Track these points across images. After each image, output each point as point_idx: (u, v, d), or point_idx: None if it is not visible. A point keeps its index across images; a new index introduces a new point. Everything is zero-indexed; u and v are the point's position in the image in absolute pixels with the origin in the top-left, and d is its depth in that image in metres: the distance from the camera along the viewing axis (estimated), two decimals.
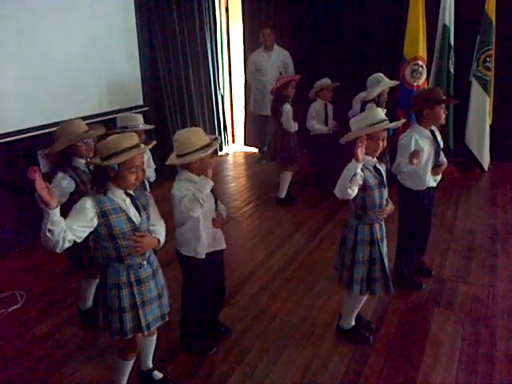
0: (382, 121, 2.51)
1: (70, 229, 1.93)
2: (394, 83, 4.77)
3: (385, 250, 2.71)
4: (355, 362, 2.69)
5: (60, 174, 2.73)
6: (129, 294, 2.13)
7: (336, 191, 2.48)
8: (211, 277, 2.71)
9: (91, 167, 2.29)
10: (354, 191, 2.44)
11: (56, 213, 1.83)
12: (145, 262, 2.19)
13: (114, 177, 2.06)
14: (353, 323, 2.88)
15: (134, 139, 2.08)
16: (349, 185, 2.40)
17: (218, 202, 2.71)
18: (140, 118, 3.50)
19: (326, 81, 5.21)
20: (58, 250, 1.93)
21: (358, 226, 2.63)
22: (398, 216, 3.31)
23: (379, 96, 4.65)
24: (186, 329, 2.81)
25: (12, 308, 3.30)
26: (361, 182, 2.47)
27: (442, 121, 3.15)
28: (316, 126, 5.24)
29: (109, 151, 2.01)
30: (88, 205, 2.01)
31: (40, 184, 1.75)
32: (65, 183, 2.71)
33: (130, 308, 2.14)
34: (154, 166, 3.57)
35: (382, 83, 4.62)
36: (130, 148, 2.03)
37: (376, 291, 2.69)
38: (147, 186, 3.43)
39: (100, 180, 2.08)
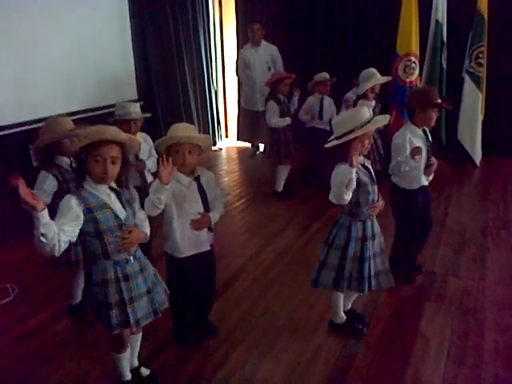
0: (369, 120, 2.48)
1: (62, 230, 1.90)
2: (385, 79, 4.77)
3: (378, 247, 2.72)
4: (345, 355, 2.71)
5: (43, 173, 2.73)
6: (116, 290, 2.11)
7: (331, 197, 2.48)
8: (195, 278, 2.64)
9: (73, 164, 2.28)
10: (349, 196, 2.45)
11: (45, 215, 1.80)
12: (131, 258, 2.17)
13: (87, 169, 2.04)
14: (343, 316, 2.90)
15: (106, 131, 2.01)
16: (345, 190, 2.40)
17: (217, 202, 2.63)
18: (135, 107, 3.42)
19: (323, 75, 5.22)
20: (57, 254, 1.91)
21: (352, 222, 2.62)
22: (391, 214, 3.33)
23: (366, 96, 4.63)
24: (175, 322, 2.80)
25: (3, 301, 3.30)
26: (355, 186, 2.47)
27: (432, 123, 3.14)
28: (304, 116, 5.27)
29: (81, 140, 2.00)
30: (73, 203, 1.97)
31: (23, 190, 1.72)
32: (48, 181, 2.70)
33: (117, 304, 2.11)
34: (155, 155, 3.53)
35: (373, 79, 4.63)
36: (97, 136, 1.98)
37: (364, 289, 2.67)
38: (147, 177, 3.44)
39: (78, 172, 2.08)
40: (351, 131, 2.44)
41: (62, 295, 3.32)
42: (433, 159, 3.22)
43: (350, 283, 2.68)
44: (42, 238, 1.81)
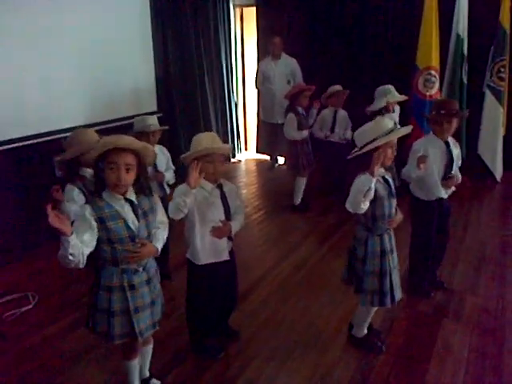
0: (392, 129, 2.50)
1: (83, 242, 1.96)
2: (401, 98, 4.73)
3: (395, 261, 2.72)
4: (360, 370, 2.70)
5: (69, 186, 2.77)
6: (120, 299, 2.14)
7: (348, 205, 2.48)
8: (214, 286, 2.68)
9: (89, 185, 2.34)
10: (366, 205, 2.45)
11: (73, 237, 1.87)
12: (141, 268, 2.19)
13: (104, 178, 2.09)
14: (365, 331, 2.89)
15: (120, 139, 2.06)
16: (362, 199, 2.41)
17: (238, 213, 2.67)
18: (152, 119, 3.50)
19: (336, 87, 5.24)
20: (81, 266, 1.97)
21: (369, 237, 2.62)
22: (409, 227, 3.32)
23: (387, 108, 4.60)
24: (192, 331, 2.83)
25: (24, 308, 3.37)
26: (372, 196, 2.47)
27: (441, 135, 3.12)
28: (318, 132, 5.28)
29: (98, 149, 2.06)
30: (87, 213, 2.03)
31: (52, 218, 1.77)
32: (75, 195, 2.75)
33: (120, 313, 2.14)
34: (173, 167, 3.61)
35: (388, 96, 4.60)
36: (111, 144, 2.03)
37: (386, 303, 2.67)
38: (166, 189, 3.50)
39: (96, 181, 2.13)
40: (373, 140, 2.45)
41: (82, 304, 3.35)
42: (457, 174, 3.21)
43: (372, 298, 2.67)
44: (71, 257, 1.89)
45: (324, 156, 5.36)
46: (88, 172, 2.84)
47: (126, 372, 2.41)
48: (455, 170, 3.22)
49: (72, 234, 1.86)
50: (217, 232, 2.58)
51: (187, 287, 2.74)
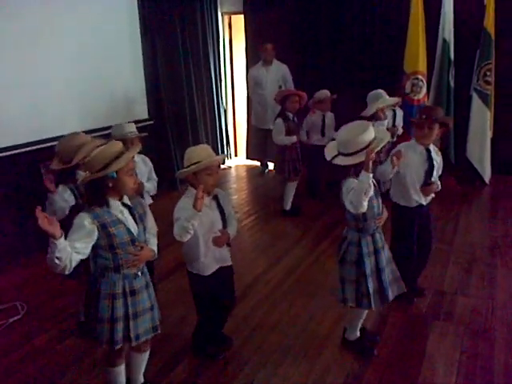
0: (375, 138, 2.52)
1: (74, 248, 1.96)
2: (393, 101, 4.78)
3: (388, 255, 2.74)
4: (353, 374, 2.69)
5: (61, 187, 2.78)
6: (122, 304, 2.15)
7: (350, 206, 2.48)
8: (220, 291, 2.73)
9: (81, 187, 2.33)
10: (366, 202, 2.46)
11: (62, 241, 1.87)
12: (139, 273, 2.22)
13: (112, 186, 2.08)
14: (358, 334, 2.89)
15: (118, 145, 2.13)
16: (364, 197, 2.42)
17: (231, 218, 2.70)
18: (131, 126, 3.49)
19: (323, 92, 5.28)
20: (67, 272, 1.97)
21: (361, 238, 2.64)
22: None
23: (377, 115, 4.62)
24: (199, 335, 2.86)
25: (13, 319, 3.32)
26: (372, 192, 2.48)
27: (422, 141, 3.09)
28: (304, 137, 5.31)
29: (102, 162, 2.05)
30: (86, 221, 2.03)
31: (41, 221, 1.77)
32: (67, 196, 2.76)
33: (123, 318, 2.15)
34: (155, 178, 3.55)
35: (380, 100, 4.64)
36: (122, 153, 2.08)
37: (387, 299, 2.69)
38: (147, 199, 3.42)
39: (99, 193, 2.10)
40: (367, 146, 2.46)
41: (70, 313, 3.33)
42: (436, 181, 3.19)
43: (375, 299, 2.66)
44: (57, 261, 1.88)
45: (314, 160, 5.37)
46: (80, 174, 2.83)
47: (110, 379, 2.39)
48: (435, 178, 3.20)
49: (61, 237, 1.85)
50: (217, 241, 2.61)
51: (194, 299, 2.76)
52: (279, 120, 4.99)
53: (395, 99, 4.84)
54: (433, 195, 3.24)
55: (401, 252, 3.24)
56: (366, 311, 2.79)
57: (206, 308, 2.75)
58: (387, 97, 4.70)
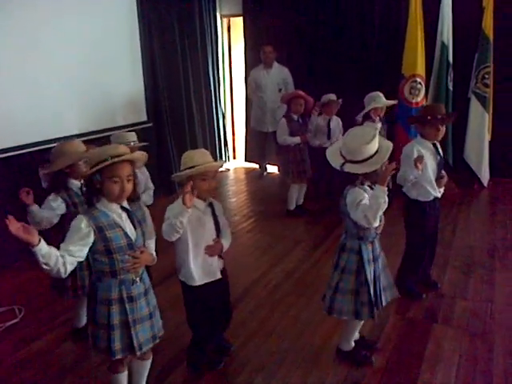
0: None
1: (68, 251, 1.93)
2: (388, 103, 4.78)
3: (382, 264, 2.71)
4: (351, 378, 2.68)
5: (52, 196, 2.75)
6: (119, 311, 2.11)
7: (363, 220, 2.42)
8: (210, 304, 2.65)
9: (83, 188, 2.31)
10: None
11: (41, 247, 1.82)
12: (138, 279, 2.17)
13: (100, 189, 2.05)
14: (352, 344, 2.83)
15: (118, 149, 2.06)
16: (380, 213, 2.41)
17: (225, 229, 2.65)
18: (132, 136, 3.47)
19: (329, 96, 5.29)
20: (63, 276, 1.95)
21: (361, 246, 2.58)
22: (396, 231, 3.35)
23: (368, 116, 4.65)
24: (192, 346, 2.79)
25: (10, 322, 3.31)
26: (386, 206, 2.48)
27: (436, 138, 3.22)
28: (313, 140, 5.30)
29: (94, 161, 2.03)
30: (83, 224, 2.00)
31: (14, 228, 1.74)
32: (55, 205, 2.73)
33: (120, 326, 2.11)
34: (152, 187, 3.50)
35: (373, 102, 4.65)
36: (112, 157, 2.01)
37: (378, 305, 2.66)
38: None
39: (90, 192, 2.08)
40: (375, 154, 2.46)
41: (68, 317, 3.31)
42: (443, 173, 3.30)
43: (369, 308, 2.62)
44: (45, 266, 1.86)
45: (319, 163, 5.37)
46: (74, 184, 2.82)
47: None
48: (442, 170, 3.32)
49: (39, 244, 1.80)
50: (210, 250, 2.56)
51: (185, 306, 2.71)
52: (283, 120, 5.05)
53: (390, 101, 4.85)
54: (443, 188, 3.34)
55: (417, 247, 3.37)
56: (362, 322, 2.75)
57: (197, 320, 2.67)
58: (383, 98, 4.71)
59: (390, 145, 2.54)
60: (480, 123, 5.76)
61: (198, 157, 2.47)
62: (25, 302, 3.55)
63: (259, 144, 6.90)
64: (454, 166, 5.85)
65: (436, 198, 3.32)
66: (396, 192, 3.34)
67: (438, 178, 3.27)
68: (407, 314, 3.28)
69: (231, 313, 2.89)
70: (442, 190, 3.34)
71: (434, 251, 3.55)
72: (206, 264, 2.57)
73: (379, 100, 4.69)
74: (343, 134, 5.09)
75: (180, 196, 2.36)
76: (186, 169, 2.44)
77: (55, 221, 2.71)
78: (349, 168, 2.49)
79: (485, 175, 5.94)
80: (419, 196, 3.27)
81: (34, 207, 2.70)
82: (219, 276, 2.65)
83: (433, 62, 5.70)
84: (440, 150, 3.29)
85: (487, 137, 5.81)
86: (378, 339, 3.01)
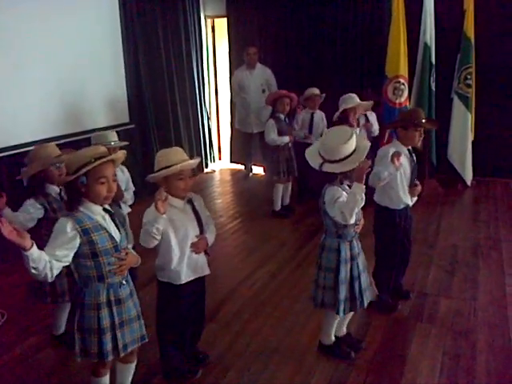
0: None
1: (54, 256, 1.90)
2: (361, 103, 4.70)
3: (364, 263, 2.74)
4: (337, 378, 2.68)
5: (30, 201, 2.70)
6: (108, 314, 2.08)
7: (339, 217, 2.46)
8: (190, 304, 2.60)
9: (62, 193, 2.27)
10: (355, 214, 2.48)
11: (33, 251, 1.80)
12: (124, 281, 2.15)
13: (85, 192, 2.02)
14: (333, 339, 2.87)
15: (99, 150, 2.04)
16: (356, 210, 2.43)
17: (209, 223, 2.62)
18: (112, 135, 3.43)
19: (312, 90, 5.34)
20: (50, 280, 1.93)
21: (340, 244, 2.62)
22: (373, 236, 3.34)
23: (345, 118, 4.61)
24: (164, 355, 2.69)
25: None
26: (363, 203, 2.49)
27: (415, 142, 3.15)
28: (299, 132, 5.34)
29: (75, 165, 1.98)
30: (68, 228, 1.95)
31: (7, 231, 1.70)
32: (33, 209, 2.69)
33: (110, 328, 2.09)
34: (133, 188, 3.47)
35: (345, 103, 4.62)
36: (96, 159, 1.98)
37: (356, 307, 2.69)
38: (124, 209, 3.30)
39: (72, 197, 2.04)
40: (352, 153, 2.48)
41: (48, 324, 3.22)
42: (417, 182, 3.22)
43: (344, 305, 2.66)
44: (34, 271, 1.83)
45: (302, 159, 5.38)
46: (53, 189, 2.77)
47: None
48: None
49: (31, 248, 1.79)
50: (196, 247, 2.52)
51: (160, 312, 2.63)
52: (270, 120, 5.05)
53: (365, 102, 4.82)
54: (416, 197, 3.27)
55: (386, 255, 3.28)
56: (338, 318, 2.77)
57: (171, 323, 2.59)
58: (356, 99, 4.70)
59: (367, 144, 2.57)
60: (463, 123, 5.82)
61: (173, 156, 2.40)
62: (8, 306, 3.49)
63: (244, 145, 6.89)
64: (438, 166, 5.91)
65: (407, 207, 3.24)
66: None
67: (412, 186, 3.19)
68: (391, 314, 3.29)
69: (203, 323, 2.82)
70: (414, 199, 3.24)
71: (406, 261, 3.42)
72: (193, 260, 2.53)
73: (350, 101, 4.66)
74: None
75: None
76: (161, 169, 2.38)
77: (30, 225, 2.66)
78: (327, 167, 2.52)
79: (468, 175, 6.01)
80: (390, 203, 3.19)
81: (7, 211, 2.64)
82: (208, 272, 2.63)
83: (415, 63, 5.75)
84: (415, 158, 3.21)
85: (470, 137, 5.87)
86: (364, 338, 3.02)
